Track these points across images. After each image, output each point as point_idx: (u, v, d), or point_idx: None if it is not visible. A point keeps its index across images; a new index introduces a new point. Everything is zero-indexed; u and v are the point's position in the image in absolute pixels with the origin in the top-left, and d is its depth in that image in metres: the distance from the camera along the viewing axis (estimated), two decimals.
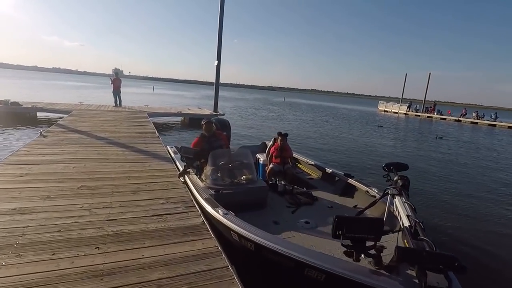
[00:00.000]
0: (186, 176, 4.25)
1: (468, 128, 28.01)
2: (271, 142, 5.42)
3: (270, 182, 4.85)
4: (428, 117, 38.33)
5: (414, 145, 14.58)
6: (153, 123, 14.81)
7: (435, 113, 39.12)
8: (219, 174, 4.04)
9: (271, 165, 4.93)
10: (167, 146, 6.29)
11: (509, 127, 30.82)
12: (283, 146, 4.91)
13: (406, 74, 47.87)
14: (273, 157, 4.95)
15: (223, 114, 16.82)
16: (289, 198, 4.29)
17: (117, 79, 14.64)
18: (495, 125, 32.07)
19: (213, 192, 3.63)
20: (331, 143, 13.10)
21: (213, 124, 4.75)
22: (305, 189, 4.64)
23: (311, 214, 3.80)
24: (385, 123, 25.66)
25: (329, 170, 5.00)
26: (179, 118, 16.13)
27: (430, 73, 42.79)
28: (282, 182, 4.90)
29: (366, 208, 3.41)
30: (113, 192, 3.80)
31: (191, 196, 3.83)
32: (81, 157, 5.26)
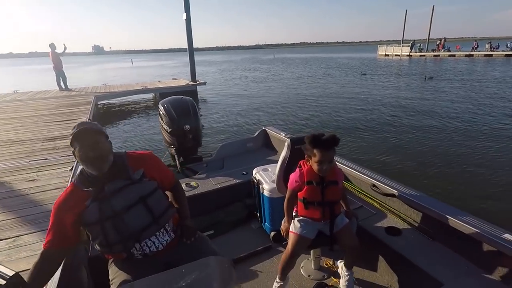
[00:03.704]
0: None
1: (481, 62, 24.58)
2: (283, 153, 2.08)
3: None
4: (434, 56, 34.54)
5: (397, 91, 11.66)
6: (112, 105, 11.42)
7: (443, 51, 35.26)
8: None
9: (297, 225, 1.77)
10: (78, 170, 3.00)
11: None
12: (326, 174, 1.68)
13: (406, 10, 42.78)
14: (303, 204, 1.75)
15: (204, 83, 13.44)
16: None
17: (54, 54, 10.82)
18: None
19: None
20: (355, 109, 9.86)
21: (104, 138, 1.39)
22: None
23: None
24: (381, 68, 22.10)
25: (455, 221, 1.76)
26: (150, 96, 12.72)
27: (433, 6, 37.94)
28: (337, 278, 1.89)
29: None
30: None
31: None
32: None
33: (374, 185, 2.33)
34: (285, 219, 1.85)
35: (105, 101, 10.52)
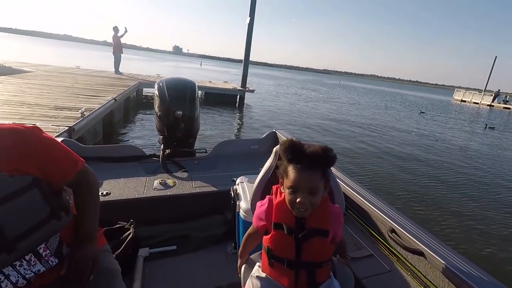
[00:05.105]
0: None
1: None
2: (268, 162, 1.30)
3: None
4: None
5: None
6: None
7: None
8: None
9: (256, 286, 1.02)
10: None
11: None
12: (304, 214, 0.96)
13: (495, 57, 38.24)
14: (267, 256, 1.03)
15: (253, 91, 13.26)
16: None
17: (116, 36, 11.11)
18: None
19: None
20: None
21: None
22: None
23: None
24: (451, 112, 19.44)
25: None
26: None
27: None
28: None
29: None
30: None
31: None
32: None
33: (393, 231, 1.57)
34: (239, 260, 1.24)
35: (150, 89, 10.79)
